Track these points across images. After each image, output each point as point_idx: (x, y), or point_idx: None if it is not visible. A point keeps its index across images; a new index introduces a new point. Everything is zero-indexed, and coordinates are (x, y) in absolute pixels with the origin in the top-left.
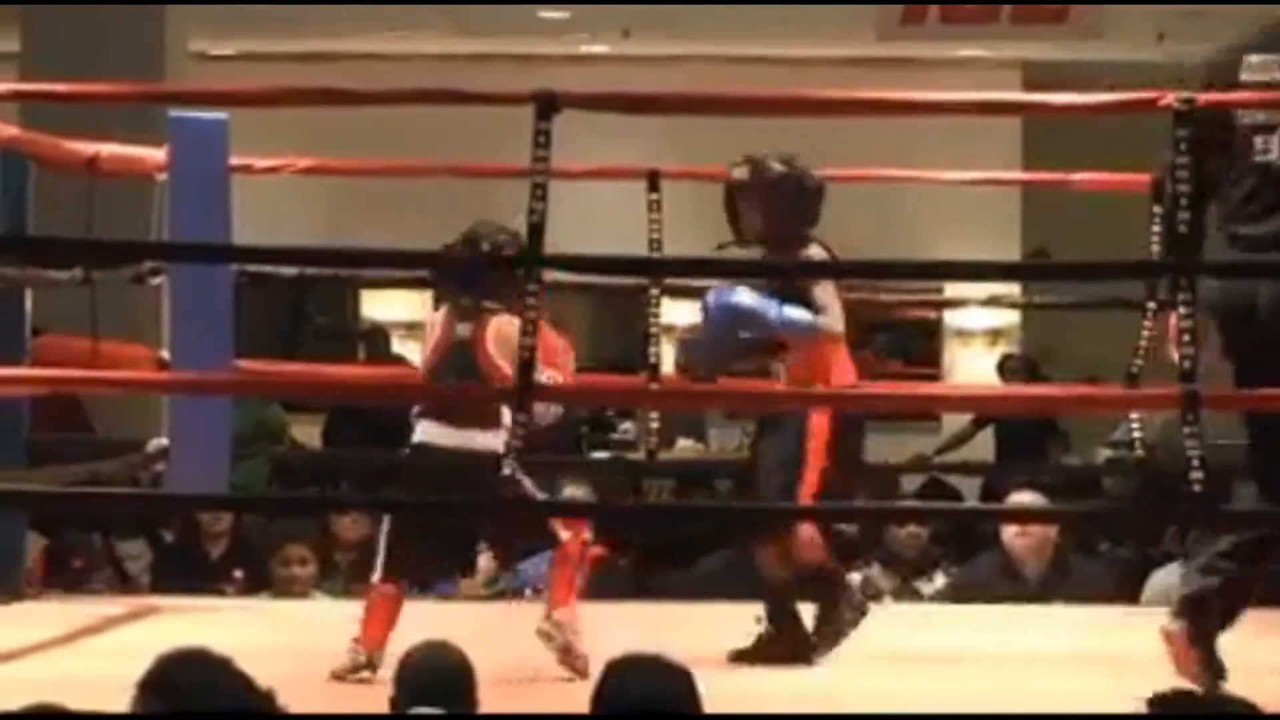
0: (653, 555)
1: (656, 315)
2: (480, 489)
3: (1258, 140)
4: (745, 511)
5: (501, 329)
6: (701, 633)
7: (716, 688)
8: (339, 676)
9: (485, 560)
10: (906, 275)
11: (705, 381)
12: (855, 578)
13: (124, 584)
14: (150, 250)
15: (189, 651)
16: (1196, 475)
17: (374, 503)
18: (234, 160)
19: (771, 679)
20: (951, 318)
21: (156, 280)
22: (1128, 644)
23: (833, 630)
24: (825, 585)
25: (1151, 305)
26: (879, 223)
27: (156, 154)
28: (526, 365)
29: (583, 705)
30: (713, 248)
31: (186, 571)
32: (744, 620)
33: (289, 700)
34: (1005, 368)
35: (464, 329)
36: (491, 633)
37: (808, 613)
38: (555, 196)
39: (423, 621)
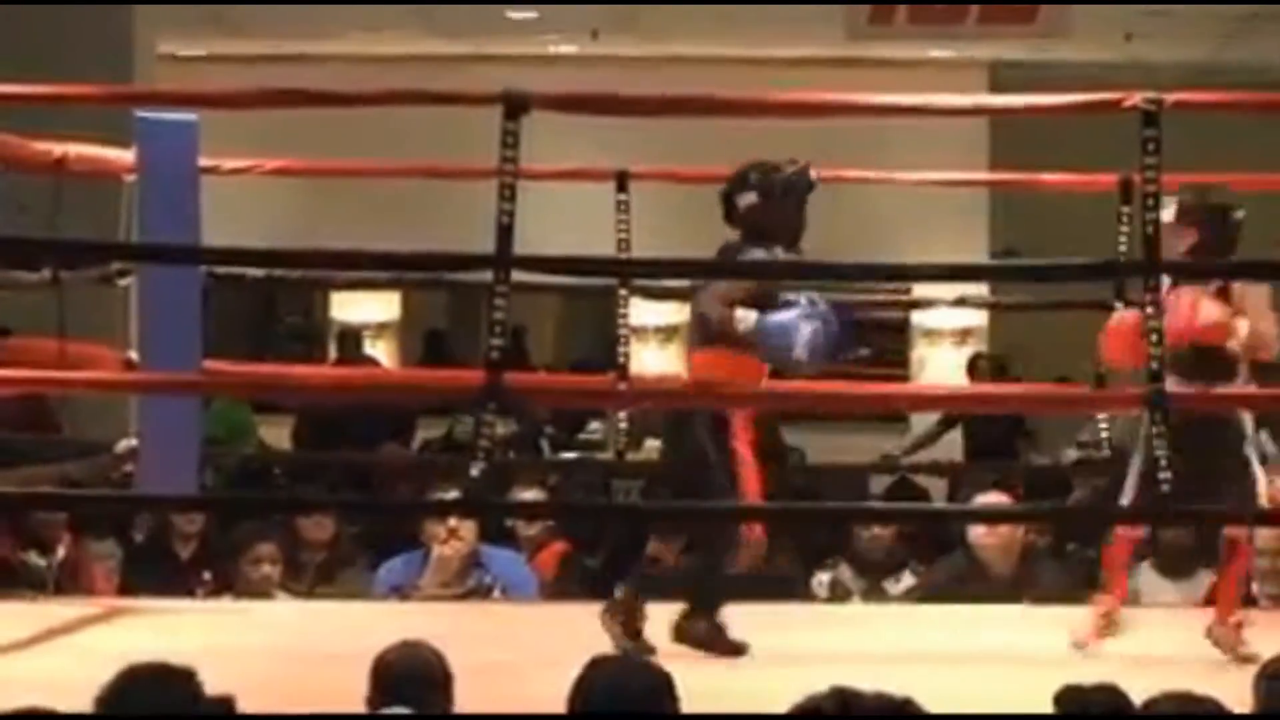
0: (622, 554)
1: (625, 316)
2: None
3: None
4: (701, 511)
5: None
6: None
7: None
8: None
9: (449, 551)
10: (873, 278)
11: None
12: (823, 577)
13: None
14: (120, 251)
15: (145, 667)
16: (1164, 475)
17: (339, 504)
18: (203, 161)
19: (724, 677)
20: (920, 317)
21: (125, 281)
22: (1097, 643)
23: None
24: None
25: (1120, 306)
26: (846, 223)
27: (125, 155)
28: (494, 365)
29: (558, 705)
30: (680, 247)
31: (157, 572)
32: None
33: (267, 702)
34: (975, 367)
35: None
36: (463, 632)
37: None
38: (525, 197)
39: (396, 621)
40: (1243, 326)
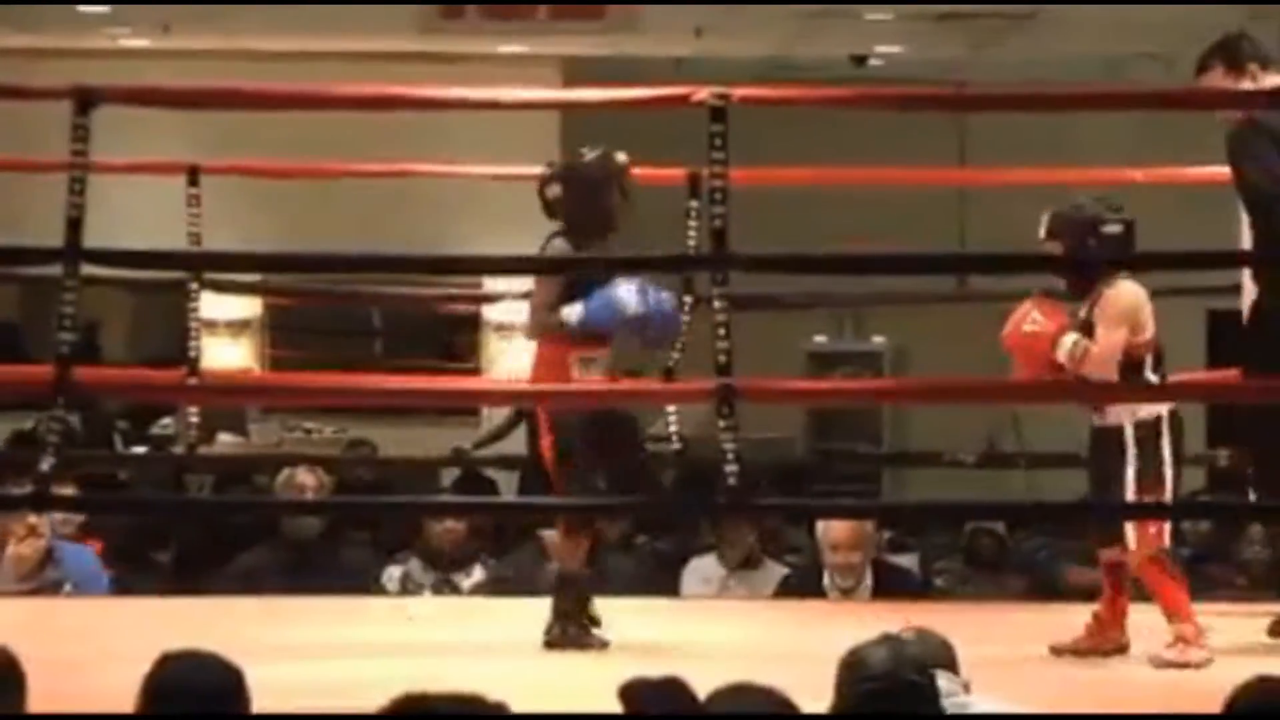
0: (193, 551)
1: (196, 310)
2: None
3: None
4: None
5: None
6: (247, 627)
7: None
8: None
9: (27, 549)
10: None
11: None
12: (393, 571)
13: None
14: None
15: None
16: (731, 468)
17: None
18: None
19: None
20: (491, 312)
21: None
22: (665, 635)
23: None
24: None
25: (688, 299)
26: (414, 216)
27: None
28: (64, 359)
29: (128, 700)
30: (254, 241)
31: None
32: (286, 613)
33: None
34: None
35: None
36: (35, 628)
37: None
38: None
39: None
40: (1068, 340)
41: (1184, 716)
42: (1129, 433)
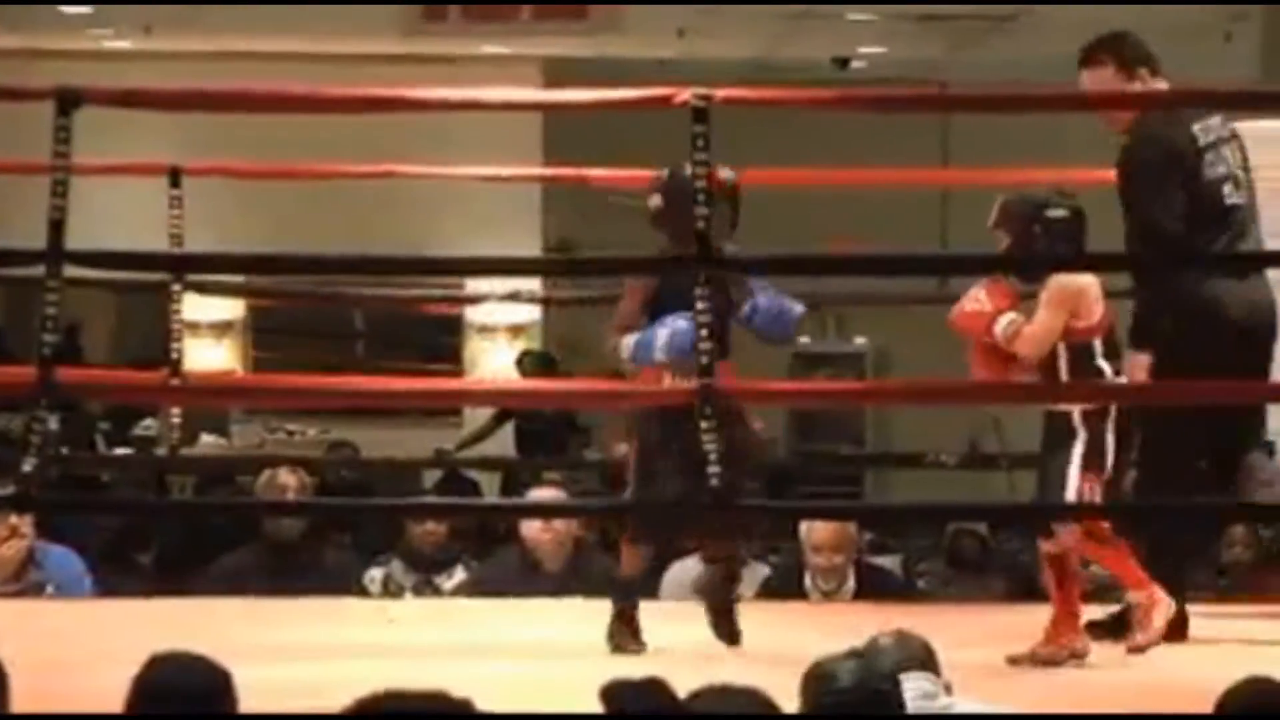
0: (175, 553)
1: (178, 311)
2: None
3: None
4: None
5: None
6: (231, 628)
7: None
8: None
9: (10, 551)
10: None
11: None
12: (375, 573)
13: None
14: None
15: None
16: (714, 469)
17: None
18: None
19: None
20: (473, 313)
21: None
22: (647, 637)
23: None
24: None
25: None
26: (399, 217)
27: None
28: (46, 361)
29: (116, 701)
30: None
31: None
32: (268, 614)
33: None
34: (522, 365)
35: None
36: (18, 629)
37: None
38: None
39: None
40: (1004, 319)
41: (1174, 717)
42: (1076, 416)
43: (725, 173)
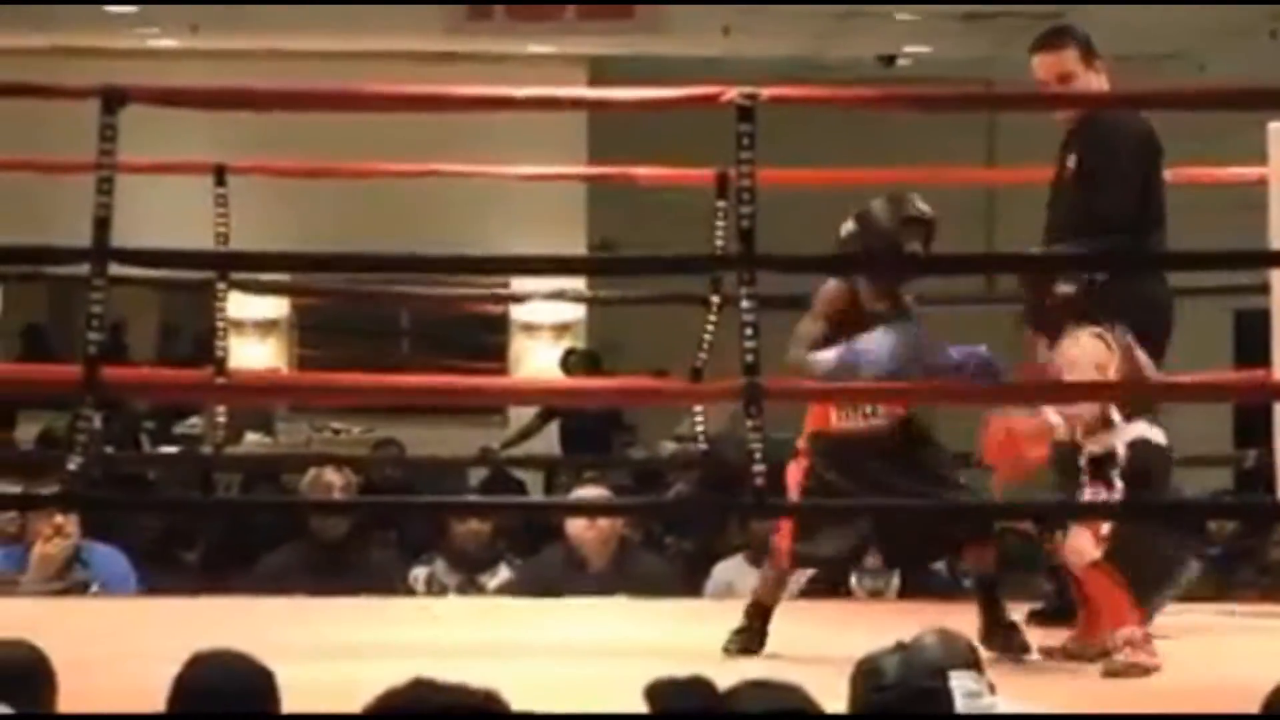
0: (220, 551)
1: (223, 310)
2: None
3: None
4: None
5: None
6: (274, 627)
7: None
8: None
9: (53, 549)
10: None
11: None
12: (419, 572)
13: None
14: None
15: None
16: (758, 468)
17: None
18: None
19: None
20: (518, 311)
21: None
22: (692, 636)
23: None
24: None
25: (716, 299)
26: (445, 216)
27: None
28: (91, 359)
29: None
30: (281, 241)
31: None
32: (312, 613)
33: None
34: (567, 363)
35: None
36: (63, 628)
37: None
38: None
39: None
40: (1053, 419)
41: (1214, 717)
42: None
43: (921, 206)
